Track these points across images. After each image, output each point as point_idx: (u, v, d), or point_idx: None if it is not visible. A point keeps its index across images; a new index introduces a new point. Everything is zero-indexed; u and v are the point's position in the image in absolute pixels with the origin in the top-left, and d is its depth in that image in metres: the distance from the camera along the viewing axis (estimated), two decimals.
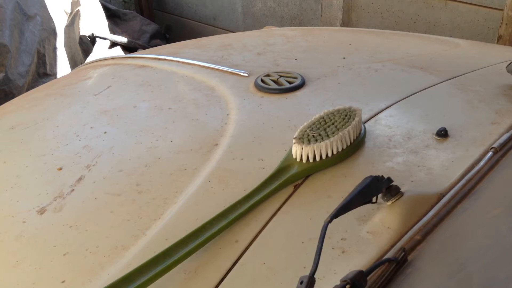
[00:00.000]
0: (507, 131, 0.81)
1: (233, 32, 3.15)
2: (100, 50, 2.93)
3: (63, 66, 2.89)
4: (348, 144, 0.79)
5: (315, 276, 0.50)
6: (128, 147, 0.90)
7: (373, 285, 0.54)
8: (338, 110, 0.84)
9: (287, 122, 0.92)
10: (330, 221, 0.56)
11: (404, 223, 0.65)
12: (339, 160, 0.78)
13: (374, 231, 0.65)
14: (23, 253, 0.70)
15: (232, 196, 0.74)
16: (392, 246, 0.62)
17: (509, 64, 0.95)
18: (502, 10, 1.95)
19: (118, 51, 3.00)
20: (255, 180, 0.76)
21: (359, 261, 0.61)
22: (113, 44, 3.04)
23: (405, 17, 2.30)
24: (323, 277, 0.59)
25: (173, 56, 1.28)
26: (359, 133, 0.82)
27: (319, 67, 1.15)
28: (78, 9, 2.94)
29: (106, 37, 3.01)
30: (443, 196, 0.68)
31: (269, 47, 1.32)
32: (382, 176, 0.65)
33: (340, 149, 0.78)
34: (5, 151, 0.95)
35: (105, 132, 0.95)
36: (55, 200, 0.79)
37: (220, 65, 1.18)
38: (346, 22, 2.52)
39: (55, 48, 2.86)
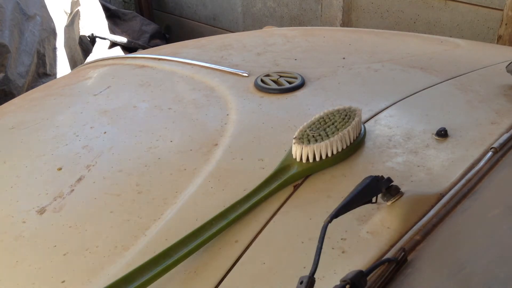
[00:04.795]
0: (507, 131, 0.81)
1: (233, 32, 3.15)
2: (100, 50, 2.93)
3: (63, 66, 2.88)
4: (348, 144, 0.79)
5: (315, 276, 0.50)
6: (128, 147, 0.90)
7: (373, 285, 0.54)
8: (338, 110, 0.84)
9: (287, 122, 0.92)
10: (330, 221, 0.56)
11: (404, 223, 0.65)
12: (339, 160, 0.78)
13: (374, 231, 0.65)
14: (23, 253, 0.70)
15: (232, 196, 0.74)
16: (392, 246, 0.62)
17: (509, 64, 0.95)
18: (502, 10, 1.95)
19: (118, 51, 3.00)
20: (255, 180, 0.76)
21: (359, 261, 0.61)
22: (113, 44, 3.03)
23: (405, 17, 2.30)
24: (323, 277, 0.59)
25: (173, 56, 1.28)
26: (359, 133, 0.82)
27: (319, 67, 1.15)
28: (78, 9, 2.94)
29: (106, 37, 3.01)
30: (443, 196, 0.68)
31: (269, 47, 1.32)
32: (382, 176, 0.65)
33: (340, 149, 0.78)
34: (5, 151, 0.95)
35: (105, 132, 0.95)
36: (55, 200, 0.79)
37: (220, 65, 1.18)
38: (346, 22, 2.52)
39: (55, 48, 2.86)
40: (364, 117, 0.89)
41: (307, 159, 0.77)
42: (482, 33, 2.08)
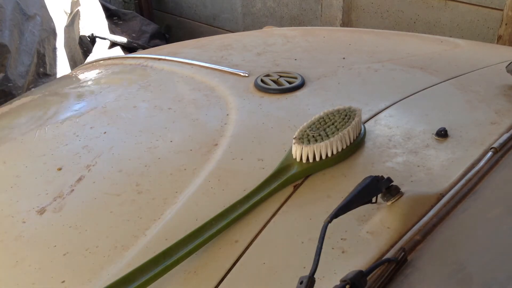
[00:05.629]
0: (507, 131, 0.81)
1: (233, 32, 3.14)
2: (100, 50, 2.93)
3: (63, 66, 2.88)
4: (348, 144, 0.79)
5: (315, 276, 0.50)
6: (128, 147, 0.90)
7: (373, 285, 0.54)
8: (338, 110, 0.84)
9: (287, 122, 0.92)
10: (330, 221, 0.56)
11: (404, 223, 0.65)
12: (339, 160, 0.78)
13: (374, 231, 0.65)
14: (23, 253, 0.70)
15: (232, 196, 0.74)
16: (392, 246, 0.62)
17: (509, 64, 0.95)
18: (502, 10, 1.95)
19: (118, 51, 3.00)
20: (255, 180, 0.76)
21: (359, 261, 0.61)
22: (113, 44, 3.03)
23: (405, 17, 2.30)
24: (323, 277, 0.59)
25: (173, 56, 1.28)
26: (359, 133, 0.82)
27: (319, 67, 1.15)
28: (78, 9, 2.94)
29: (106, 37, 3.01)
30: (443, 196, 0.68)
31: (269, 47, 1.32)
32: (382, 176, 0.65)
33: (340, 149, 0.78)
34: (5, 151, 0.95)
35: (105, 132, 0.95)
36: (55, 200, 0.79)
37: (220, 65, 1.18)
38: (346, 22, 2.52)
39: (55, 48, 2.86)
40: (364, 117, 0.89)
41: (307, 159, 0.77)
42: (482, 33, 2.08)
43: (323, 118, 0.83)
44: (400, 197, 0.67)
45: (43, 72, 2.79)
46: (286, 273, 0.62)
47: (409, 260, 0.58)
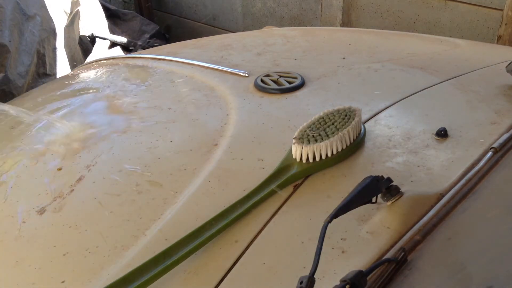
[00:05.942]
0: (507, 131, 0.81)
1: (233, 32, 3.14)
2: (100, 50, 2.93)
3: (63, 66, 2.88)
4: (348, 144, 0.79)
5: (315, 276, 0.50)
6: (128, 147, 0.90)
7: (373, 285, 0.54)
8: (338, 110, 0.84)
9: (287, 122, 0.92)
10: (329, 221, 0.56)
11: (404, 223, 0.65)
12: (338, 160, 0.78)
13: (374, 231, 0.65)
14: (23, 253, 0.70)
15: (231, 196, 0.74)
16: (392, 246, 0.62)
17: (509, 64, 0.95)
18: (502, 10, 1.95)
19: (118, 51, 3.00)
20: (255, 180, 0.76)
21: (359, 261, 0.61)
22: (113, 44, 3.03)
23: (405, 17, 2.30)
24: (323, 277, 0.59)
25: (173, 56, 1.28)
26: (359, 133, 0.82)
27: (319, 67, 1.15)
28: (78, 9, 2.94)
29: (105, 37, 3.01)
30: (443, 196, 0.68)
31: (269, 47, 1.32)
32: (382, 176, 0.65)
33: (339, 149, 0.78)
34: (5, 151, 0.95)
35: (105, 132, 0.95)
36: (55, 200, 0.79)
37: (220, 65, 1.18)
38: (346, 22, 2.52)
39: (54, 48, 2.86)
40: (364, 117, 0.89)
41: (307, 159, 0.77)
42: (482, 33, 2.08)
43: (323, 118, 0.83)
44: (400, 197, 0.67)
45: (43, 72, 2.79)
46: (286, 273, 0.62)
47: (409, 260, 0.58)
